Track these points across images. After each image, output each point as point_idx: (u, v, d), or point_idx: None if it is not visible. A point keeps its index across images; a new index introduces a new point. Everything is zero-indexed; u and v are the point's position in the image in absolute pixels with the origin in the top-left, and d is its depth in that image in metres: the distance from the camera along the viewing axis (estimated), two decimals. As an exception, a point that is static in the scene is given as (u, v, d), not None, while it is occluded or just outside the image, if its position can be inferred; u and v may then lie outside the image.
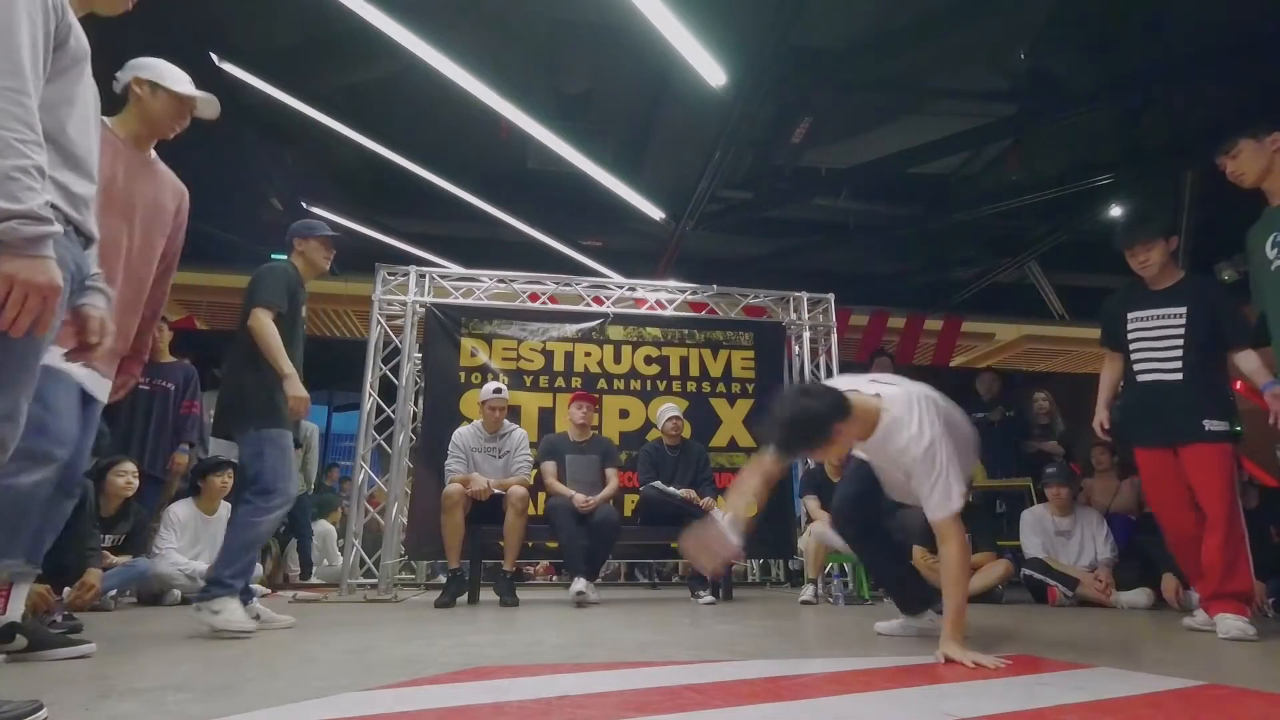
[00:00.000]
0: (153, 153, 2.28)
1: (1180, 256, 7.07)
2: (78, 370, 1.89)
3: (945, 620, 2.01)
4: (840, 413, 2.02)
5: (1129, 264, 3.13)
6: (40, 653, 1.97)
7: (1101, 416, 3.20)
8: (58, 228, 1.28)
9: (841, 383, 2.27)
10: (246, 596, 2.82)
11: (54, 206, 1.31)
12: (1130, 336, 3.06)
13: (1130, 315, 3.08)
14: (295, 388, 2.81)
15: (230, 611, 2.51)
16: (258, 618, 2.79)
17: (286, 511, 2.86)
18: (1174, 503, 2.93)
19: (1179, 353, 2.91)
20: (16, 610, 1.95)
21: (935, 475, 2.00)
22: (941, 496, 1.98)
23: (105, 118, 2.10)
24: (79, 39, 1.39)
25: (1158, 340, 2.98)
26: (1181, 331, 2.92)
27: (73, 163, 1.39)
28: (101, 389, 2.05)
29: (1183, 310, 2.94)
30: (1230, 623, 2.59)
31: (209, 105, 2.37)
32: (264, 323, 2.82)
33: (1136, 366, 3.03)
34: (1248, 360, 2.81)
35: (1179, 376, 2.90)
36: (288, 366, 2.79)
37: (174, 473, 4.55)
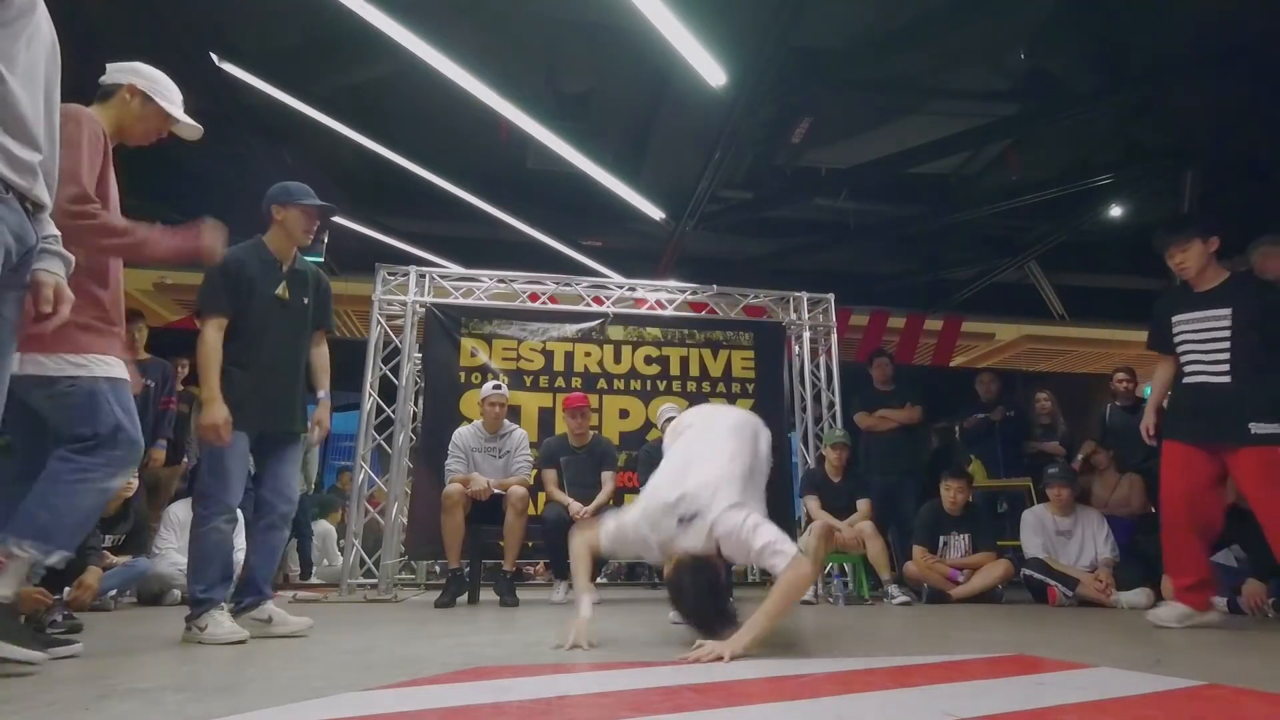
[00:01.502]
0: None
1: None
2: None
3: (753, 627, 2.02)
4: (726, 592, 2.32)
5: (1169, 266, 3.10)
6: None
7: (1149, 420, 3.18)
8: None
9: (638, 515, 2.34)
10: (257, 599, 2.69)
11: None
12: (1177, 340, 3.05)
13: (1175, 319, 3.06)
14: (206, 414, 2.52)
15: (215, 624, 2.43)
16: (269, 620, 2.65)
17: (231, 518, 2.64)
18: (1189, 493, 2.91)
19: (1225, 354, 2.88)
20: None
21: (768, 543, 2.13)
22: (782, 558, 2.11)
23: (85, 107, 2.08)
24: None
25: (1203, 342, 2.95)
26: (1227, 333, 2.89)
27: (13, 126, 1.33)
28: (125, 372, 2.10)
29: (1227, 311, 2.91)
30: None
31: (192, 130, 2.35)
32: (201, 338, 2.62)
33: (1185, 369, 3.01)
34: None
35: (1226, 379, 2.87)
36: (207, 390, 2.55)
37: (150, 470, 4.55)
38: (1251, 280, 3.10)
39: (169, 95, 2.30)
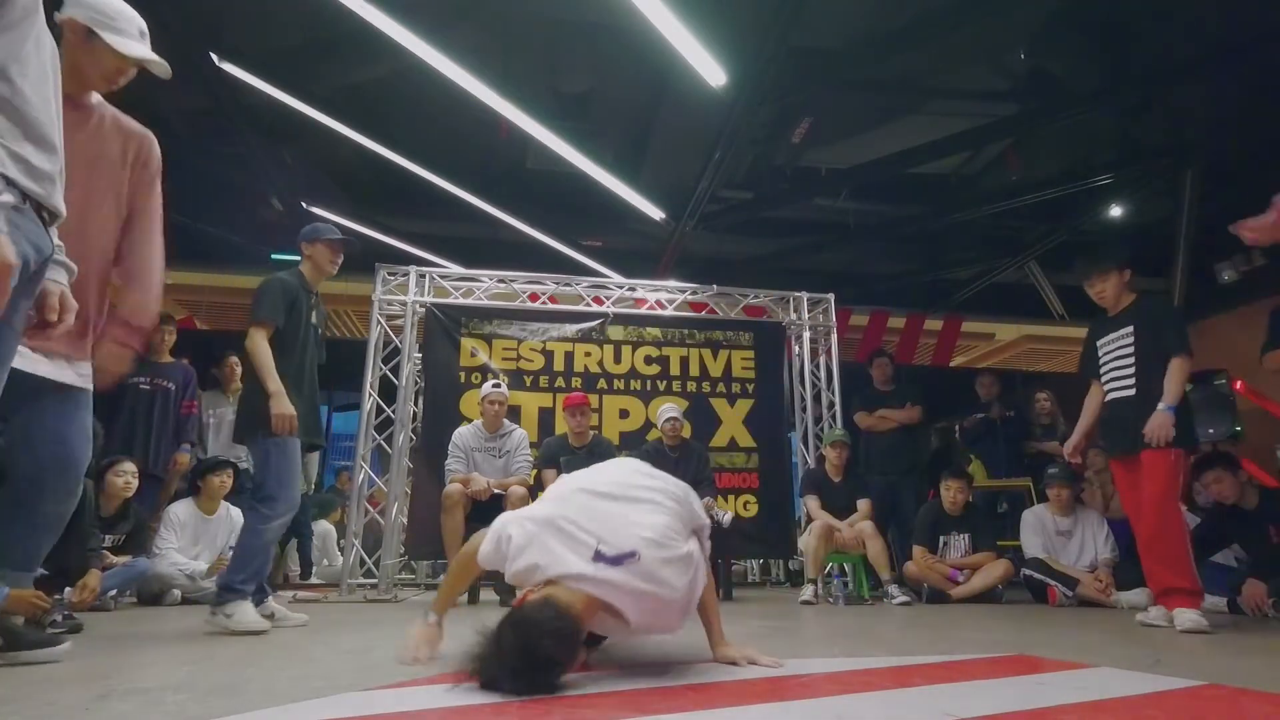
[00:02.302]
0: (93, 96, 1.95)
1: (1181, 257, 7.10)
2: (32, 360, 1.76)
3: (716, 632, 1.95)
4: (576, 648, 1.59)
5: (1089, 297, 3.38)
6: (18, 653, 1.93)
7: (1073, 442, 3.43)
8: (8, 198, 1.22)
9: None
10: (261, 596, 2.91)
11: (7, 179, 1.23)
12: (1101, 362, 3.32)
13: (1099, 343, 3.34)
14: (280, 405, 2.79)
15: (242, 613, 2.62)
16: (272, 616, 2.87)
17: (289, 518, 2.90)
18: (1134, 510, 3.18)
19: (1131, 368, 3.15)
20: None
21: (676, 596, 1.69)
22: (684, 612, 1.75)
23: None
24: None
25: (1115, 360, 3.23)
26: (1131, 349, 3.16)
27: (31, 131, 1.28)
28: (70, 374, 1.88)
29: (1130, 329, 3.19)
30: (1187, 615, 2.80)
31: (159, 67, 1.98)
32: (255, 341, 2.85)
33: (1106, 387, 3.28)
34: (1172, 370, 3.01)
35: (1131, 391, 3.14)
36: (274, 384, 2.80)
37: (175, 472, 4.56)
38: (1152, 299, 3.37)
39: (118, 25, 1.88)
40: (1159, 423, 2.95)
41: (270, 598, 2.99)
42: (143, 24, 1.97)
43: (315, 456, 6.58)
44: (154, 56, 1.96)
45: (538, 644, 1.45)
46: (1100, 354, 3.32)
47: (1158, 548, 3.01)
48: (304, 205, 6.89)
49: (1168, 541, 2.97)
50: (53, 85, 1.37)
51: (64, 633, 2.38)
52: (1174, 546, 2.96)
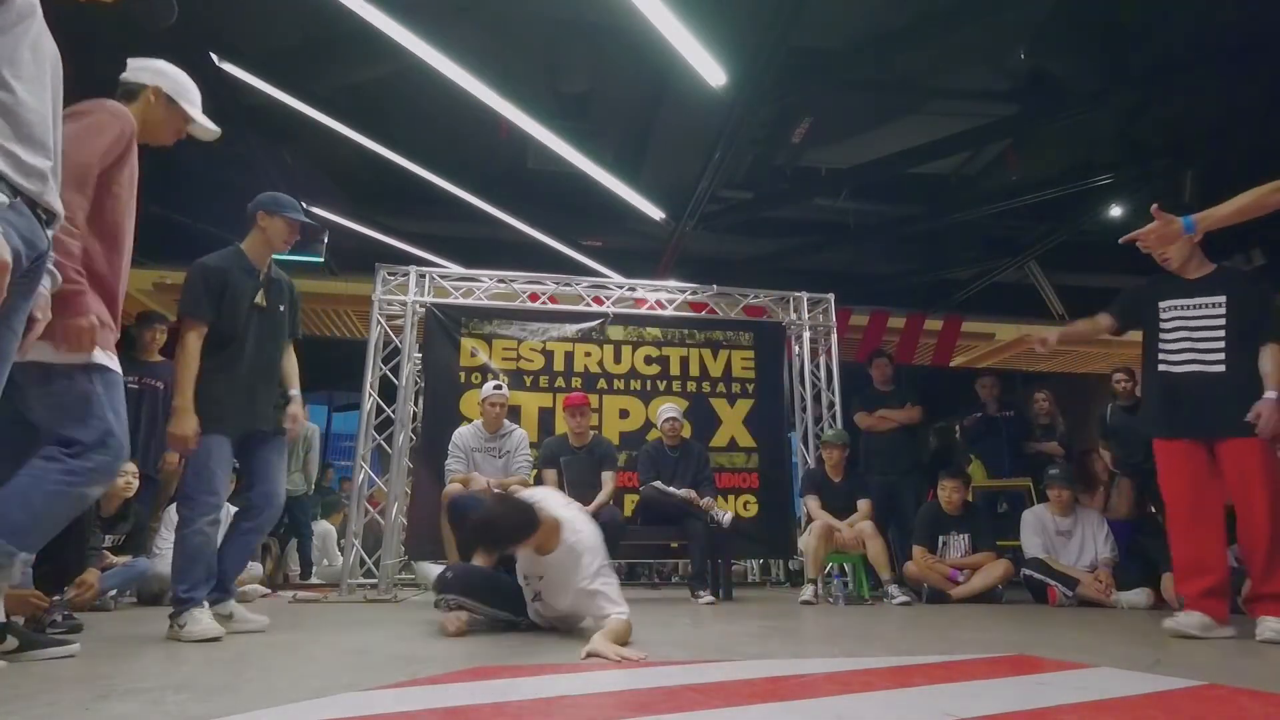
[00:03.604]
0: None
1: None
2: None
3: (605, 634, 2.13)
4: (529, 529, 2.33)
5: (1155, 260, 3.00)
6: (31, 653, 1.96)
7: (1048, 334, 3.15)
8: (3, 198, 1.22)
9: (541, 496, 2.60)
10: (220, 595, 2.76)
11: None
12: (1165, 325, 2.94)
13: (1164, 304, 2.95)
14: (176, 422, 2.59)
15: (194, 621, 2.50)
16: (230, 617, 2.72)
17: (214, 516, 2.70)
18: (1195, 491, 2.80)
19: (1221, 343, 2.79)
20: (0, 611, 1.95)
21: (604, 589, 2.29)
22: (613, 604, 2.26)
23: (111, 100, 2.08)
24: None
25: (1196, 330, 2.86)
26: (1222, 321, 2.81)
27: (21, 131, 1.30)
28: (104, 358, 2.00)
29: (1222, 299, 2.83)
30: (1269, 624, 2.52)
31: (208, 133, 2.37)
32: (182, 343, 2.69)
33: (1172, 357, 2.89)
34: (1272, 357, 2.72)
35: (1221, 368, 2.78)
36: (180, 398, 2.61)
37: (168, 473, 4.55)
38: (1243, 272, 3.07)
39: (190, 96, 2.31)
40: (1272, 411, 2.60)
41: (232, 600, 2.81)
42: (199, 95, 2.38)
43: (315, 457, 6.58)
44: (212, 125, 2.37)
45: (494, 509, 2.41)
46: (1165, 317, 2.93)
47: (1272, 549, 2.63)
48: (304, 205, 6.89)
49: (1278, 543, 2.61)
50: (50, 90, 1.39)
51: (64, 633, 2.39)
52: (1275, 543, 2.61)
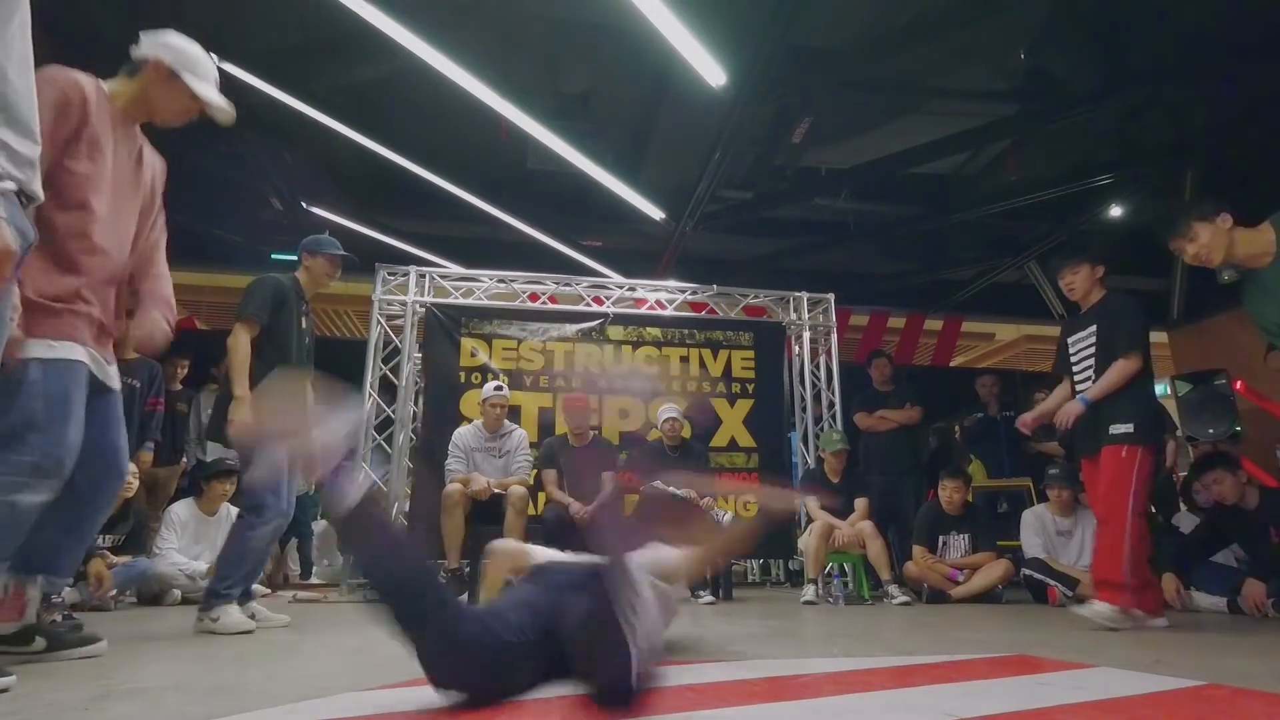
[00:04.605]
0: (136, 127, 2.09)
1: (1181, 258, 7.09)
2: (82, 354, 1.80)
3: None
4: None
5: (1059, 289, 3.38)
6: (59, 653, 1.98)
7: (1028, 416, 3.41)
8: (9, 184, 1.21)
9: None
10: (245, 596, 2.88)
11: None
12: (1073, 358, 3.29)
13: (1070, 339, 3.32)
14: (238, 410, 2.71)
15: (227, 615, 2.64)
16: (253, 616, 2.85)
17: (279, 525, 2.85)
18: (1095, 504, 3.15)
19: (1090, 368, 3.15)
20: (31, 613, 1.96)
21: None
22: None
23: (102, 81, 1.96)
24: None
25: (1080, 359, 3.23)
26: (1093, 348, 3.16)
27: (11, 114, 1.27)
28: (108, 375, 1.98)
29: (1094, 327, 3.17)
30: (1097, 609, 2.84)
31: (223, 113, 2.19)
32: (236, 339, 2.84)
33: (1077, 386, 3.25)
34: (1111, 368, 3.02)
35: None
36: (240, 389, 2.74)
37: (147, 470, 4.53)
38: (1116, 297, 3.28)
39: (197, 70, 2.10)
40: (1065, 410, 3.04)
41: (254, 600, 2.97)
42: (215, 72, 2.19)
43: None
44: (223, 102, 2.16)
45: None
46: (1070, 352, 3.31)
47: (1101, 538, 3.01)
48: (304, 205, 6.89)
49: (1109, 532, 2.95)
50: (32, 74, 1.36)
51: (64, 633, 2.38)
52: (1111, 538, 2.93)
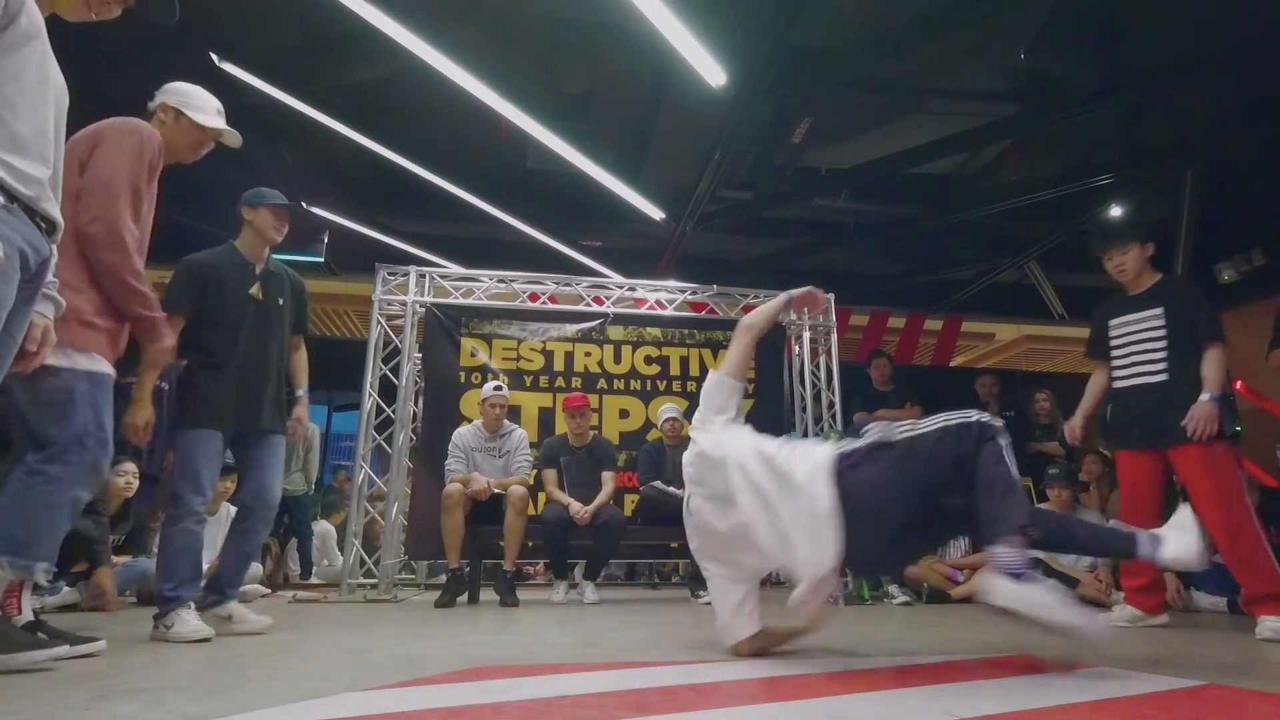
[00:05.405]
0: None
1: (1181, 257, 7.11)
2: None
3: None
4: None
5: (1107, 270, 3.19)
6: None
7: (1074, 423, 3.27)
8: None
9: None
10: (218, 598, 2.71)
11: None
12: (1113, 343, 3.12)
13: (1112, 323, 3.13)
14: (133, 411, 2.50)
15: (182, 622, 2.45)
16: (229, 618, 2.68)
17: (198, 521, 2.65)
18: (1145, 506, 2.97)
19: (1162, 353, 2.95)
20: (28, 610, 1.97)
21: None
22: None
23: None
24: (30, 16, 1.32)
25: (1140, 343, 3.02)
26: (1163, 332, 2.96)
27: (18, 143, 1.32)
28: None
29: (1160, 310, 2.98)
30: (1267, 624, 2.58)
31: (232, 138, 2.48)
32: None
33: (1121, 372, 3.08)
34: (1211, 358, 2.84)
35: (1164, 377, 2.93)
36: (138, 389, 2.51)
37: (168, 470, 4.53)
38: (1182, 281, 3.20)
39: (196, 103, 2.41)
40: (1205, 413, 2.73)
41: (232, 601, 2.74)
42: (219, 105, 2.51)
43: (315, 457, 6.58)
44: (228, 129, 2.48)
45: None
46: (1114, 335, 3.10)
47: (1234, 552, 2.72)
48: (304, 205, 6.89)
49: (1247, 545, 2.71)
50: (53, 111, 1.42)
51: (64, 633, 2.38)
52: (1251, 550, 2.71)
